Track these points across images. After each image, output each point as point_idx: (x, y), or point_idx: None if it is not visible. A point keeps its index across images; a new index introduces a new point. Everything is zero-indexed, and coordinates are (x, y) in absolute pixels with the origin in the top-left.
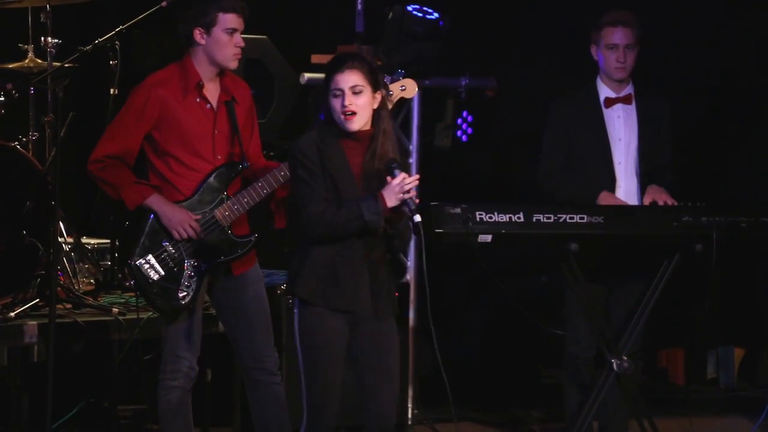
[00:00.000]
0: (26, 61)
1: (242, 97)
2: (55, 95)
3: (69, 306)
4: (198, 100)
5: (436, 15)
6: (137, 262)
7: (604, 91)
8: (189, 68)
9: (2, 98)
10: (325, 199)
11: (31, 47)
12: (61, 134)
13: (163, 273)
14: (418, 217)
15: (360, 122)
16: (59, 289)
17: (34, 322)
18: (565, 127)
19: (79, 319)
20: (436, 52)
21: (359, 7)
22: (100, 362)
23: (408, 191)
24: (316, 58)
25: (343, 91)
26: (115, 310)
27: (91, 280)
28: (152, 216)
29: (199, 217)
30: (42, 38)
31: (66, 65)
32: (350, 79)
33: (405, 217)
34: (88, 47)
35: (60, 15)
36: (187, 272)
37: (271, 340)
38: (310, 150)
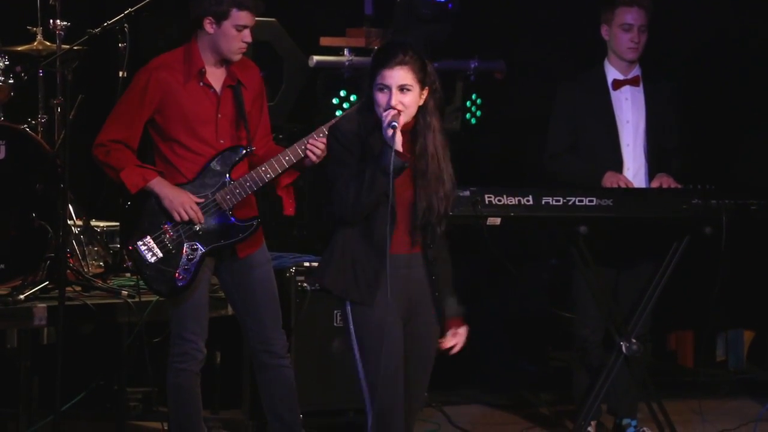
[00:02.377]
0: (35, 43)
1: (250, 81)
2: (64, 78)
3: (78, 288)
4: (201, 84)
5: None
6: (135, 244)
7: (612, 73)
8: (193, 53)
9: (11, 81)
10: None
11: (40, 30)
12: (71, 117)
13: (161, 255)
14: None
15: (402, 121)
16: (69, 271)
17: (44, 305)
18: (573, 110)
19: (88, 302)
20: (445, 34)
21: None
22: (110, 345)
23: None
24: (325, 41)
25: (389, 88)
26: (125, 292)
27: (101, 263)
28: (152, 198)
29: (201, 200)
30: (51, 21)
31: (75, 48)
32: (399, 76)
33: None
34: (97, 30)
35: None
36: (185, 255)
37: (279, 323)
38: (351, 132)
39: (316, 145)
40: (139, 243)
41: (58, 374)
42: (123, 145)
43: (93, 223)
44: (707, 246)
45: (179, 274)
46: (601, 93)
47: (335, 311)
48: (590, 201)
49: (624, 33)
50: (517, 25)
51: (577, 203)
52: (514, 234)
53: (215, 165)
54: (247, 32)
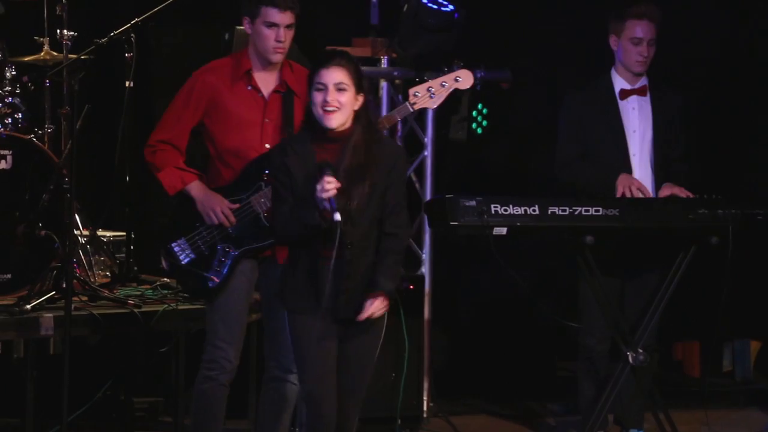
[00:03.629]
0: (42, 53)
1: (304, 90)
2: (70, 88)
3: (85, 298)
4: (249, 88)
5: (450, 7)
6: (170, 245)
7: (619, 83)
8: (243, 56)
9: (18, 91)
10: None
11: (46, 40)
12: (77, 127)
13: (193, 256)
14: (338, 216)
15: (339, 119)
16: (75, 281)
17: (50, 315)
18: (580, 118)
19: (94, 312)
20: (451, 44)
21: None
22: (116, 355)
23: (327, 193)
24: None
25: (326, 86)
26: (131, 302)
27: (107, 273)
28: (191, 201)
29: (236, 206)
30: (58, 31)
31: (82, 58)
32: (336, 75)
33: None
34: (103, 40)
35: (76, 7)
36: (217, 256)
37: None
38: (277, 155)
39: None
40: (173, 244)
41: (64, 384)
42: (169, 145)
43: (99, 233)
44: (714, 256)
45: (210, 276)
46: (608, 102)
47: None
48: (596, 211)
49: (633, 46)
50: (522, 35)
51: (583, 213)
52: (520, 243)
53: (254, 168)
54: (280, 31)
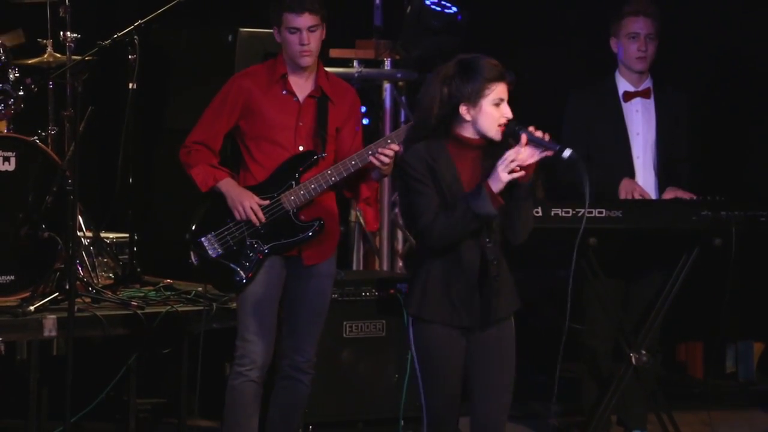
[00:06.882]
0: (45, 55)
1: (340, 98)
2: (74, 90)
3: (88, 300)
4: (284, 92)
5: (454, 9)
6: (199, 239)
7: (623, 85)
8: (278, 62)
9: (21, 93)
10: (437, 207)
11: (50, 42)
12: (80, 129)
13: (221, 251)
14: (568, 152)
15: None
16: (78, 283)
17: (54, 316)
18: (584, 120)
19: (98, 313)
20: (455, 45)
21: (378, 0)
22: (119, 356)
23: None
24: (334, 53)
25: (504, 102)
26: (134, 303)
27: (110, 274)
28: (222, 197)
29: (266, 202)
30: (61, 33)
31: (85, 60)
32: (506, 91)
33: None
34: (106, 42)
35: (79, 9)
36: (246, 252)
37: (313, 338)
38: (419, 162)
39: (385, 153)
40: (203, 238)
41: (67, 385)
42: (203, 146)
43: (102, 234)
44: (717, 257)
45: (237, 269)
46: (612, 104)
47: (344, 322)
48: (600, 212)
49: (632, 43)
50: (526, 36)
51: (586, 215)
52: (522, 244)
53: (286, 168)
54: (303, 34)
